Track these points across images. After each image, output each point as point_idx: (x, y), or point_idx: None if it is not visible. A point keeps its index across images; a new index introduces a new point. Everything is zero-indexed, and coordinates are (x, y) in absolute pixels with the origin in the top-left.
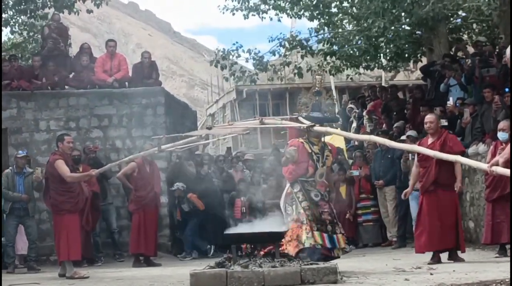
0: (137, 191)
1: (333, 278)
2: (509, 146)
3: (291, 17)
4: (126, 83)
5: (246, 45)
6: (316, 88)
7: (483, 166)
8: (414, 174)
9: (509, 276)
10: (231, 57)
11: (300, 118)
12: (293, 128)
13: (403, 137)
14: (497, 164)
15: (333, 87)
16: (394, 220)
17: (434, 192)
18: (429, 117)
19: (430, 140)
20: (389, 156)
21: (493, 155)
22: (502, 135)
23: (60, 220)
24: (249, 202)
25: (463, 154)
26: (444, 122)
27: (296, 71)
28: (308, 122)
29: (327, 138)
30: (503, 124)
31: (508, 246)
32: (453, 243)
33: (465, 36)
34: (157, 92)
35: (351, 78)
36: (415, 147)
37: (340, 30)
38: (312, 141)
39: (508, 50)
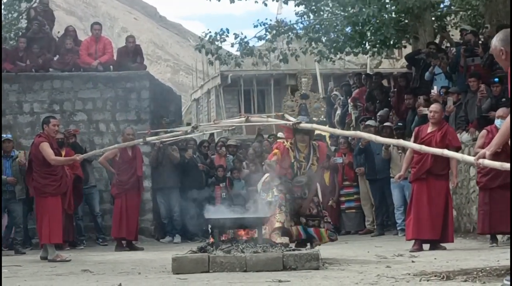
0: (119, 175)
1: (315, 264)
2: (494, 137)
3: (277, 0)
4: (111, 67)
5: (234, 31)
6: (303, 91)
7: (469, 158)
8: (407, 159)
9: (489, 264)
10: (216, 42)
11: (286, 116)
12: (288, 130)
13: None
14: (484, 157)
15: (318, 75)
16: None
17: (425, 180)
18: (434, 107)
19: (430, 129)
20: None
21: (489, 141)
22: (499, 123)
23: (42, 203)
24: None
25: (459, 149)
26: (426, 111)
27: (281, 57)
28: (294, 119)
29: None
30: (501, 111)
31: (500, 236)
32: (438, 235)
33: (450, 24)
34: (142, 77)
35: (333, 62)
36: (401, 141)
37: (325, 15)
38: (299, 147)
39: (493, 40)
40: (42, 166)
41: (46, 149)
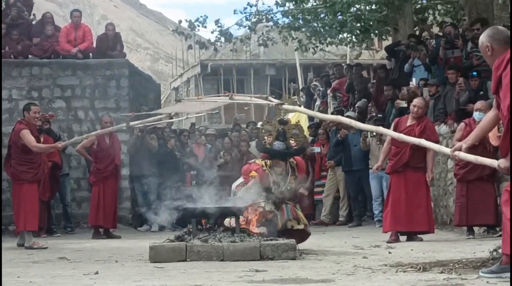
0: (97, 163)
1: (292, 254)
2: (473, 130)
3: None
4: (90, 54)
5: (214, 19)
6: (282, 116)
7: (446, 150)
8: (385, 150)
9: (466, 256)
10: (196, 29)
11: (270, 98)
12: (263, 155)
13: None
14: (460, 149)
15: (297, 65)
16: (344, 199)
17: (402, 172)
18: (418, 102)
19: (409, 121)
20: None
21: (467, 133)
22: (479, 115)
23: (18, 189)
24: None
25: (437, 143)
26: (403, 103)
27: (261, 41)
28: (277, 101)
29: (291, 115)
30: (480, 104)
31: (476, 228)
32: (425, 226)
33: (430, 17)
34: (121, 64)
35: (313, 52)
36: (380, 128)
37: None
38: (276, 171)
39: (481, 36)
40: (21, 153)
41: (27, 136)
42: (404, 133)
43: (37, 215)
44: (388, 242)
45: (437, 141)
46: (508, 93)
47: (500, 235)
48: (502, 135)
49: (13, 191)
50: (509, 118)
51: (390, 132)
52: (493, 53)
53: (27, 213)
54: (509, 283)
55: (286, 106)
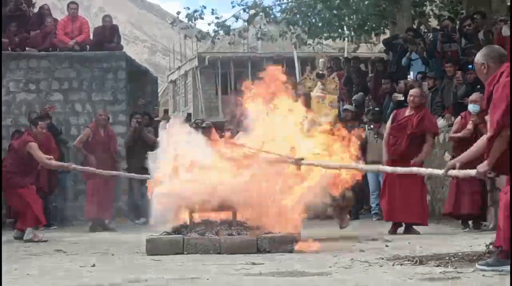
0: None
1: (289, 247)
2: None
3: None
4: (87, 46)
5: (211, 12)
6: (320, 71)
7: (437, 172)
8: (386, 141)
9: (462, 250)
10: (193, 20)
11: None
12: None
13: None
14: (454, 168)
15: (295, 59)
16: None
17: (399, 163)
18: (414, 91)
19: (407, 112)
20: None
21: (462, 126)
22: (473, 107)
23: (16, 195)
24: None
25: (436, 134)
26: (400, 97)
27: (259, 35)
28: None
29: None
30: (475, 96)
31: (470, 221)
32: (418, 218)
33: (429, 14)
34: (119, 57)
35: (312, 48)
36: (380, 167)
37: None
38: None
39: (477, 55)
40: (20, 160)
41: (37, 151)
42: (402, 123)
43: (41, 212)
44: (385, 235)
45: (436, 133)
46: (498, 107)
47: (491, 229)
48: (487, 139)
49: (11, 198)
50: (495, 127)
51: (388, 169)
52: (488, 71)
53: (32, 214)
54: (505, 276)
55: (305, 161)
